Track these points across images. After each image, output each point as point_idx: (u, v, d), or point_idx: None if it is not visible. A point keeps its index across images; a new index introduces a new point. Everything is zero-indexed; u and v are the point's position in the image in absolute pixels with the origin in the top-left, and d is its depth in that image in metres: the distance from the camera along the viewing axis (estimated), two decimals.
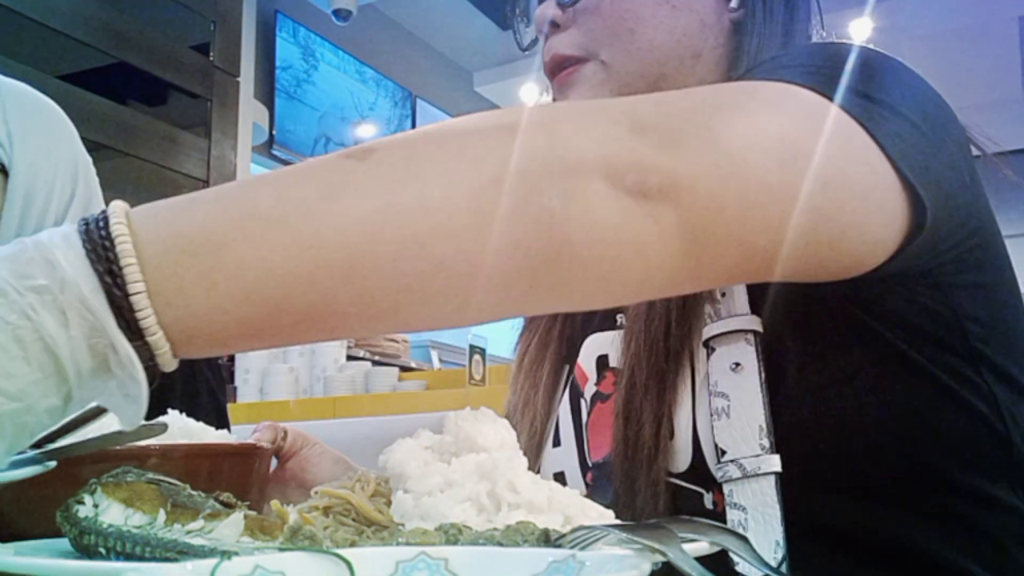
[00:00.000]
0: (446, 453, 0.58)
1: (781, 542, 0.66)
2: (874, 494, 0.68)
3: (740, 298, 0.72)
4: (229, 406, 1.33)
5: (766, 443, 0.68)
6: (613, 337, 0.83)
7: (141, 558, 0.45)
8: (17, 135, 1.05)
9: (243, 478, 0.72)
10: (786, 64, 0.63)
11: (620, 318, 0.83)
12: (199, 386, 1.18)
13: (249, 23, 4.67)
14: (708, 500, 0.72)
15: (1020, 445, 0.69)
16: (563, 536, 0.45)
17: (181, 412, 0.75)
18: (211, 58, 4.33)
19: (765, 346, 0.70)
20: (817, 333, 0.69)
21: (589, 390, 0.84)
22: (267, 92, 5.18)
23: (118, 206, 0.46)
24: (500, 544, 0.45)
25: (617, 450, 0.75)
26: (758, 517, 0.67)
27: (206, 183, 4.14)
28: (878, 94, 0.60)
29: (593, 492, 0.80)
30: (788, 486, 0.68)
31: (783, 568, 0.65)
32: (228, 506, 0.54)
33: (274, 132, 5.23)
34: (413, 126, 6.29)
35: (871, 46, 0.68)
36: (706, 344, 0.72)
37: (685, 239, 0.51)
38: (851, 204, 0.57)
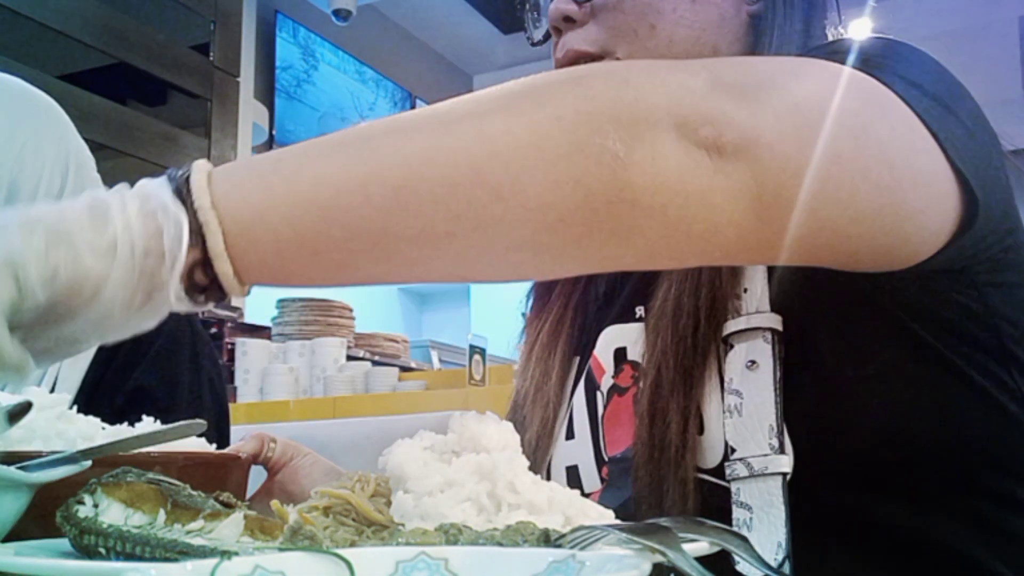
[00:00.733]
0: (446, 453, 0.57)
1: (783, 543, 0.65)
2: (902, 492, 0.68)
3: (761, 295, 0.71)
4: (229, 406, 1.33)
5: (775, 443, 0.67)
6: (632, 330, 0.82)
7: (141, 558, 0.45)
8: (3, 128, 1.05)
9: (215, 488, 0.70)
10: (843, 49, 0.63)
11: (639, 311, 0.82)
12: (202, 386, 1.17)
13: (249, 23, 4.67)
14: None
15: None
16: (563, 536, 0.45)
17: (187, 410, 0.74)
18: (211, 58, 4.33)
19: (795, 342, 0.69)
20: (850, 329, 0.68)
21: (606, 383, 0.83)
22: (267, 92, 5.18)
23: (202, 162, 0.49)
24: (500, 544, 0.45)
25: (641, 450, 0.73)
26: (763, 517, 0.66)
27: None
28: (932, 89, 0.60)
29: (609, 487, 0.79)
30: (812, 483, 0.67)
31: (784, 568, 0.65)
32: (228, 506, 0.54)
33: (274, 132, 5.23)
34: None
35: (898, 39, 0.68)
36: (725, 340, 0.71)
37: (756, 199, 0.50)
38: (915, 191, 0.57)
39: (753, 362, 0.69)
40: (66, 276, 0.44)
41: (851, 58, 0.60)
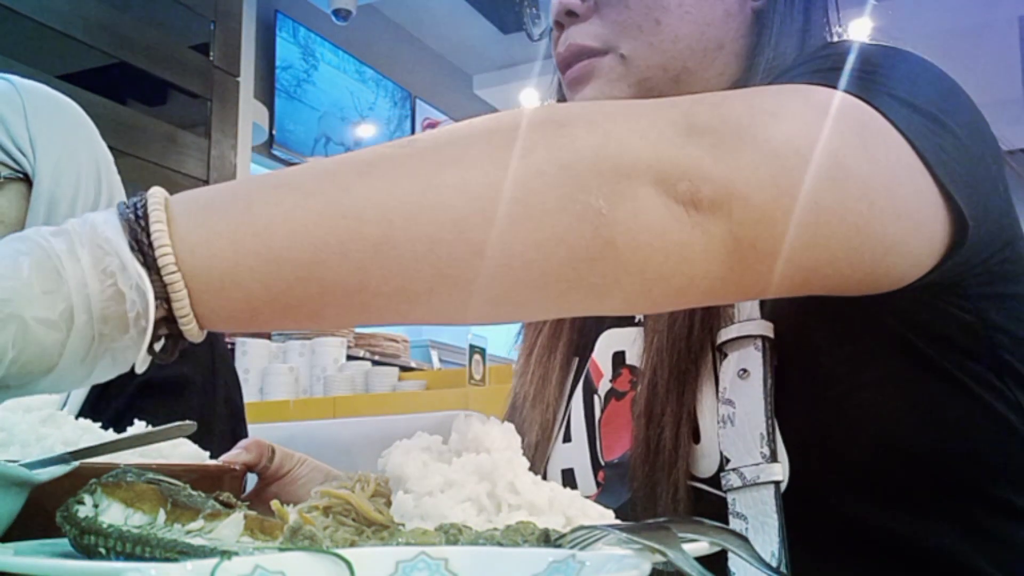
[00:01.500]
0: (446, 453, 0.57)
1: (777, 552, 0.65)
2: (898, 500, 0.67)
3: (754, 303, 0.71)
4: (245, 412, 1.31)
5: (767, 451, 0.67)
6: (630, 334, 0.82)
7: (141, 558, 0.45)
8: (39, 141, 1.04)
9: None
10: (829, 66, 0.62)
11: (638, 314, 0.82)
12: (216, 388, 1.17)
13: (249, 23, 4.67)
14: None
15: None
16: (563, 536, 0.45)
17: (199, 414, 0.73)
18: (211, 58, 4.33)
19: (790, 350, 0.69)
20: (845, 338, 0.68)
21: (604, 387, 0.83)
22: (267, 92, 5.18)
23: (157, 188, 0.47)
24: (500, 544, 0.45)
25: (638, 452, 0.73)
26: (757, 527, 0.66)
27: (206, 183, 4.14)
28: (921, 102, 0.60)
29: (605, 491, 0.79)
30: (809, 491, 0.67)
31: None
32: (228, 506, 0.54)
33: (274, 132, 5.23)
34: (413, 126, 6.29)
35: (898, 45, 0.67)
36: (720, 349, 0.71)
37: (732, 252, 0.50)
38: (896, 223, 0.56)
39: (745, 371, 0.69)
40: (18, 355, 0.42)
41: (845, 73, 0.60)
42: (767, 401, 0.68)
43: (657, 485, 0.71)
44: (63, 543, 0.50)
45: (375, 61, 5.98)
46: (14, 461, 0.57)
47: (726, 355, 0.71)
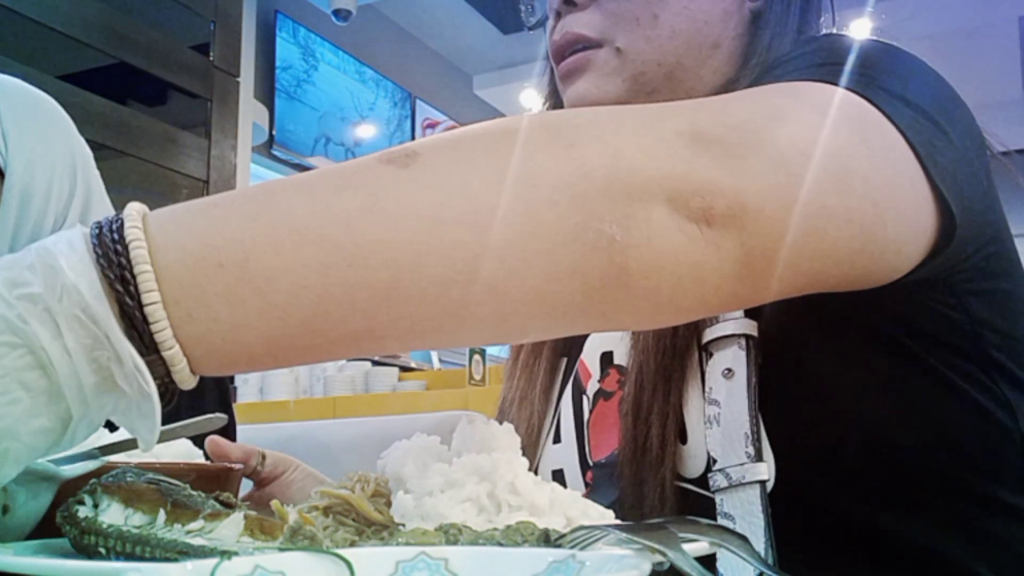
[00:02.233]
0: (445, 453, 0.57)
1: (764, 552, 0.65)
2: (887, 498, 0.67)
3: None
4: (232, 404, 1.32)
5: (751, 451, 0.67)
6: (618, 334, 0.82)
7: (141, 558, 0.45)
8: (12, 134, 1.02)
9: None
10: (822, 61, 0.62)
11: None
12: (204, 386, 1.17)
13: (249, 23, 4.67)
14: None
15: None
16: (563, 536, 0.45)
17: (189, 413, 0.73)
18: (211, 58, 4.33)
19: (777, 349, 0.69)
20: (832, 336, 0.68)
21: (592, 387, 0.83)
22: (267, 92, 5.18)
23: (134, 208, 0.42)
24: (500, 544, 0.45)
25: (625, 450, 0.73)
26: (744, 527, 0.66)
27: (206, 183, 4.15)
28: (913, 97, 0.60)
29: (593, 491, 0.79)
30: (797, 490, 0.67)
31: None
32: (228, 506, 0.54)
33: (274, 132, 5.23)
34: (413, 126, 6.29)
35: (890, 42, 0.67)
36: (705, 348, 0.71)
37: (744, 265, 0.50)
38: (895, 222, 0.56)
39: (729, 370, 0.69)
40: (17, 461, 0.40)
41: (845, 68, 0.59)
42: (751, 400, 0.67)
43: (644, 484, 0.71)
44: (63, 543, 0.50)
45: (375, 61, 5.98)
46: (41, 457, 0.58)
47: (712, 355, 0.71)
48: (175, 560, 0.43)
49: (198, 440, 0.74)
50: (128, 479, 0.52)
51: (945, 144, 0.60)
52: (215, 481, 0.70)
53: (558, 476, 0.83)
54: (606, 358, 0.82)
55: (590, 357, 0.84)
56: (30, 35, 3.56)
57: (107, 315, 0.39)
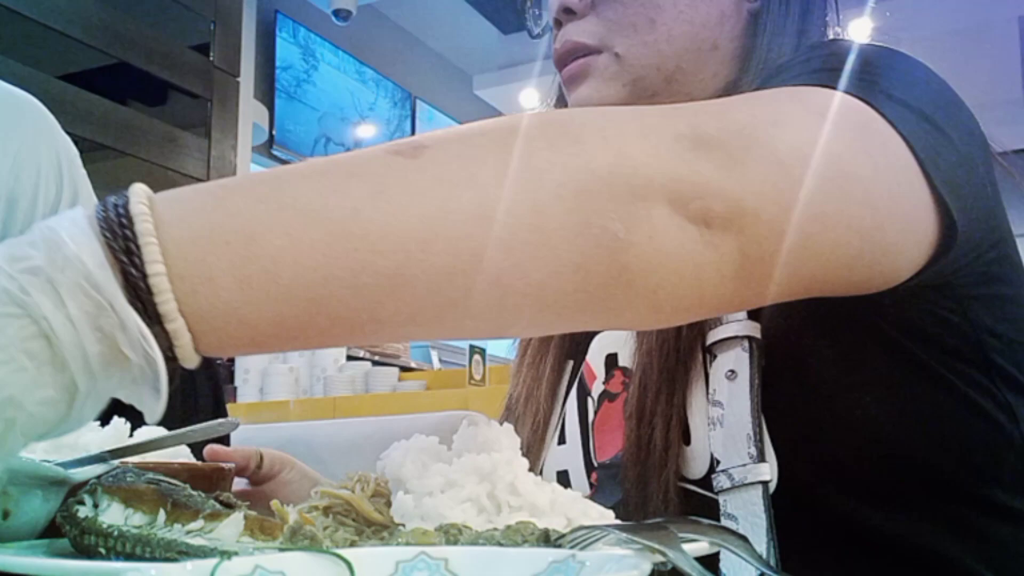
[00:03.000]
0: (444, 453, 0.57)
1: (766, 552, 0.65)
2: (887, 500, 0.67)
3: None
4: (229, 406, 1.32)
5: (754, 451, 0.67)
6: (623, 336, 0.82)
7: (141, 558, 0.45)
8: None
9: None
10: (823, 66, 0.62)
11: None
12: (197, 385, 1.17)
13: (249, 23, 4.67)
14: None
15: None
16: (563, 536, 0.45)
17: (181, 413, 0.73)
18: (211, 58, 4.33)
19: (779, 351, 0.69)
20: (834, 338, 0.68)
21: (597, 389, 0.83)
22: (267, 92, 5.18)
23: (139, 187, 0.42)
24: (500, 544, 0.45)
25: (629, 452, 0.73)
26: (747, 527, 0.66)
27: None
28: (915, 102, 0.60)
29: (597, 493, 0.79)
30: (798, 491, 0.67)
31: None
32: (228, 506, 0.54)
33: (274, 132, 5.23)
34: (413, 127, 6.29)
35: (891, 45, 0.67)
36: (709, 350, 0.71)
37: (741, 267, 0.50)
38: (895, 226, 0.57)
39: (732, 372, 0.69)
40: (24, 433, 0.39)
41: (841, 72, 0.60)
42: (754, 402, 0.68)
43: (648, 485, 0.71)
44: (63, 543, 0.50)
45: (375, 61, 5.99)
46: (50, 460, 0.57)
47: (715, 356, 0.71)
48: (175, 560, 0.43)
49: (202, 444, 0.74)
50: (128, 479, 0.52)
51: (947, 149, 0.60)
52: (207, 481, 0.70)
53: (563, 477, 0.83)
54: (611, 360, 0.83)
55: (595, 359, 0.84)
56: (30, 35, 3.56)
57: (110, 282, 0.39)
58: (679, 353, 0.73)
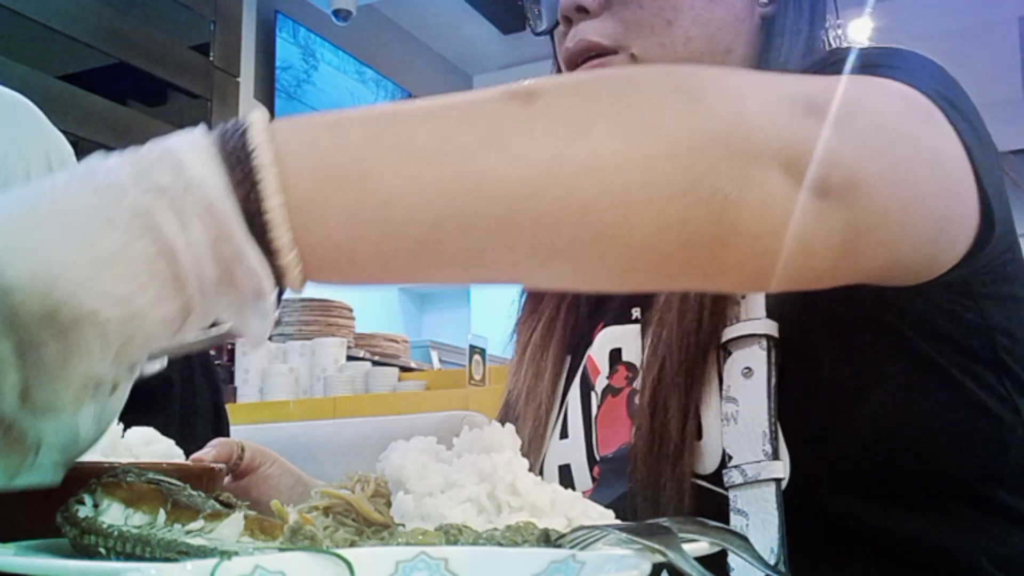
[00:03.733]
0: (443, 454, 0.57)
1: (776, 549, 0.65)
2: (898, 499, 0.68)
3: (758, 301, 0.71)
4: (229, 406, 1.32)
5: (768, 449, 0.67)
6: (628, 331, 0.82)
7: (141, 558, 0.45)
8: None
9: None
10: (888, 64, 0.62)
11: (635, 312, 0.82)
12: (196, 388, 1.17)
13: (249, 23, 4.67)
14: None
15: None
16: (563, 536, 0.45)
17: (181, 414, 0.73)
18: (211, 58, 4.33)
19: (793, 348, 0.69)
20: (848, 337, 0.68)
21: (600, 383, 0.83)
22: (267, 92, 5.18)
23: (257, 116, 0.43)
24: (500, 544, 0.45)
25: (641, 444, 0.73)
26: (757, 523, 0.66)
27: None
28: (958, 104, 0.61)
29: (599, 487, 0.79)
30: (809, 489, 0.67)
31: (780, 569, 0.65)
32: (228, 506, 0.54)
33: None
34: None
35: (898, 47, 0.68)
36: (724, 347, 0.72)
37: (847, 239, 0.50)
38: (959, 215, 0.58)
39: (749, 369, 0.69)
40: (140, 347, 0.40)
41: (899, 74, 0.59)
42: (770, 399, 0.68)
43: (661, 478, 0.71)
44: (63, 543, 0.50)
45: (375, 61, 5.98)
46: (100, 463, 0.57)
47: (730, 353, 0.71)
48: (175, 560, 0.43)
49: (181, 443, 0.74)
50: (128, 479, 0.52)
51: (984, 150, 0.60)
52: (197, 481, 0.69)
53: (565, 471, 0.83)
54: (615, 355, 0.83)
55: (599, 353, 0.84)
56: (30, 35, 3.56)
57: (233, 212, 0.40)
58: (699, 348, 0.72)
